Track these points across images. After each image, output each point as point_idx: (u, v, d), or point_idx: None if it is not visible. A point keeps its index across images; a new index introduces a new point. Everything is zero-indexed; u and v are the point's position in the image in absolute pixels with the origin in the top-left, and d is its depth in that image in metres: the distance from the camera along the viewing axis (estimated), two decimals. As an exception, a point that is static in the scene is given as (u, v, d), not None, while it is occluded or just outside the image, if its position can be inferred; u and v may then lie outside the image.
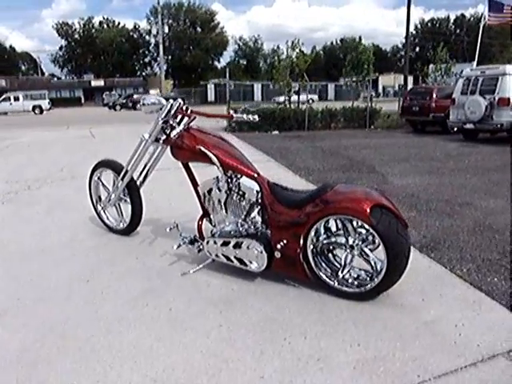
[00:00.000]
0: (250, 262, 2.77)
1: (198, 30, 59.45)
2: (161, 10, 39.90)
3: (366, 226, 2.40)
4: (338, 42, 61.23)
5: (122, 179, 3.56)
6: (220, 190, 2.93)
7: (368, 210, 2.34)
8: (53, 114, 30.93)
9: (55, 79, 55.48)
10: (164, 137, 3.14)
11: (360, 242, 2.54)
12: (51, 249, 3.58)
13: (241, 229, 2.92)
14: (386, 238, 2.35)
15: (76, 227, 4.12)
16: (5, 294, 2.79)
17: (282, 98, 16.05)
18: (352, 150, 9.22)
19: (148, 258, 3.33)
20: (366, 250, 2.56)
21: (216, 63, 63.29)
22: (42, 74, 60.66)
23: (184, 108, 3.11)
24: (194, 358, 2.09)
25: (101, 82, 49.44)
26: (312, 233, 2.56)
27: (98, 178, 3.92)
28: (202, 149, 2.84)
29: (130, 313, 2.53)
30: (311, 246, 2.60)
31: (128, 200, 3.68)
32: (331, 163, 7.58)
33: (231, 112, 3.21)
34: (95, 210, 4.00)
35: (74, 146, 10.88)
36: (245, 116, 3.23)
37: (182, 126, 2.92)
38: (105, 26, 60.54)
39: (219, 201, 2.97)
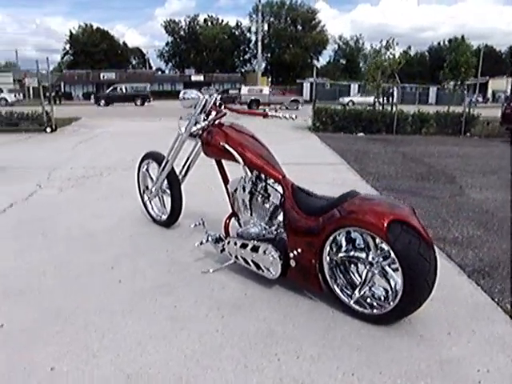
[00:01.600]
0: (265, 268, 2.65)
1: (299, 28, 59.47)
2: (262, 7, 40.57)
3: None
4: (446, 42, 57.31)
5: (163, 171, 3.63)
6: (244, 190, 2.85)
7: (385, 225, 2.09)
8: (152, 106, 33.01)
9: (159, 73, 59.27)
10: (199, 132, 3.13)
11: (381, 259, 2.29)
12: (94, 234, 3.77)
13: (263, 232, 2.82)
14: (404, 257, 2.08)
15: (125, 215, 4.30)
16: (33, 274, 2.98)
17: (346, 99, 15.36)
18: (436, 157, 8.54)
19: (178, 251, 3.35)
20: (388, 268, 2.30)
21: (315, 62, 62.82)
22: (150, 68, 65.15)
23: (217, 104, 3.07)
24: (175, 360, 2.04)
25: (200, 77, 51.69)
26: (328, 243, 2.37)
27: (146, 170, 4.04)
28: (226, 146, 2.78)
29: (136, 306, 2.55)
30: (327, 258, 2.41)
31: (168, 192, 3.74)
32: (407, 170, 7.07)
33: (266, 110, 3.06)
34: (142, 200, 4.14)
35: (158, 137, 11.45)
36: (280, 114, 3.09)
37: (205, 122, 2.87)
38: (209, 23, 63.16)
39: (243, 201, 2.89)
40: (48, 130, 12.19)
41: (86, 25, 60.64)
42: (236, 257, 2.85)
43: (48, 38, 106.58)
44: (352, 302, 2.36)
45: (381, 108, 13.65)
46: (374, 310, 2.30)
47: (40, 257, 3.27)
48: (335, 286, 2.44)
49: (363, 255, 2.36)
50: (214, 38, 60.00)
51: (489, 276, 2.99)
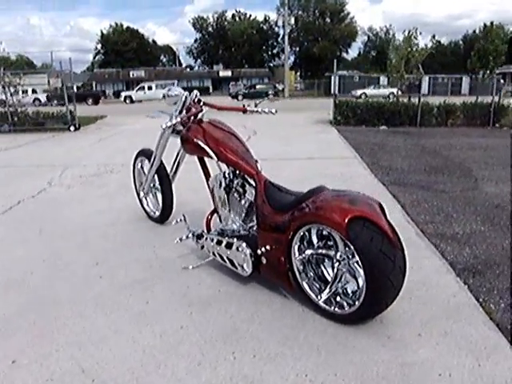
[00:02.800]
0: (239, 265, 2.63)
1: (327, 20, 58.59)
2: (289, 1, 40.19)
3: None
4: (482, 29, 55.13)
5: (151, 168, 3.65)
6: (220, 186, 2.83)
7: (345, 221, 2.02)
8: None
9: (188, 70, 59.85)
10: (181, 128, 3.13)
11: (349, 256, 2.22)
12: (90, 230, 3.84)
13: (240, 228, 2.79)
14: (365, 255, 2.01)
15: (124, 211, 4.36)
16: (19, 268, 3.07)
17: (359, 92, 14.96)
18: (457, 150, 8.24)
19: (164, 247, 3.36)
20: (356, 266, 2.22)
21: (344, 54, 61.82)
22: (180, 64, 65.85)
23: (196, 100, 3.06)
24: (133, 355, 2.05)
25: (228, 73, 51.89)
26: (296, 240, 2.32)
27: (141, 167, 4.08)
28: (199, 142, 2.76)
29: (109, 301, 2.58)
30: (296, 255, 2.36)
31: (159, 189, 3.77)
32: (422, 163, 6.86)
33: (245, 105, 3.02)
34: (138, 196, 4.18)
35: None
36: (259, 109, 3.05)
37: (177, 118, 2.85)
38: (237, 18, 63.21)
39: (220, 197, 2.87)
40: (71, 128, 12.53)
41: (117, 24, 61.92)
42: (213, 253, 2.84)
43: (82, 38, 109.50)
44: (321, 301, 2.31)
45: (396, 100, 13.28)
46: (342, 310, 2.23)
47: (31, 252, 3.36)
48: (305, 284, 2.38)
49: (332, 253, 2.29)
50: (242, 33, 60.01)
51: (480, 275, 2.86)
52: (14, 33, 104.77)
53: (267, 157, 7.26)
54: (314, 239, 2.35)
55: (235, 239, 2.64)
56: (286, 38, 38.77)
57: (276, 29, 62.78)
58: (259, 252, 2.48)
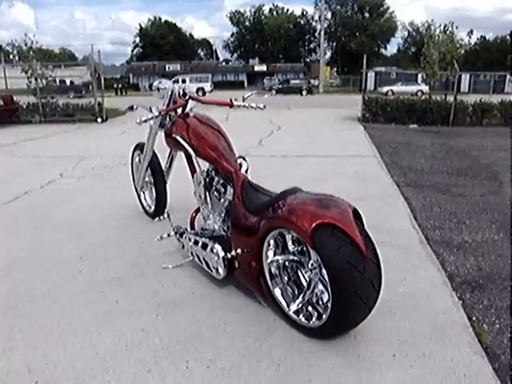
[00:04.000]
0: (213, 267, 2.50)
1: (366, 15, 57.18)
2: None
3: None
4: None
5: (144, 162, 3.58)
6: (199, 184, 2.71)
7: (311, 228, 1.85)
8: (213, 96, 33.53)
9: (223, 64, 59.95)
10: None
11: (321, 265, 2.04)
12: (85, 223, 3.82)
13: (220, 229, 2.67)
14: (330, 265, 1.84)
15: (124, 205, 4.31)
16: (7, 259, 3.06)
17: (385, 89, 14.36)
18: (487, 151, 7.79)
19: (151, 244, 3.27)
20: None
21: (382, 50, 60.29)
22: (217, 58, 66.15)
23: (182, 94, 2.95)
24: (84, 357, 1.97)
25: (263, 67, 51.64)
26: (266, 244, 2.17)
27: (138, 161, 4.01)
28: (177, 137, 2.65)
29: (81, 297, 2.52)
30: (268, 260, 2.21)
31: (152, 183, 3.69)
32: (446, 165, 6.51)
33: (232, 99, 2.89)
34: (136, 191, 4.12)
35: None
36: (246, 104, 2.91)
37: (156, 112, 2.73)
38: (274, 13, 62.76)
39: (200, 195, 2.75)
40: (99, 120, 12.73)
41: (155, 18, 62.81)
42: (191, 253, 2.73)
43: (122, 32, 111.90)
44: (291, 311, 2.15)
45: (428, 98, 12.74)
46: (310, 322, 2.07)
47: (21, 243, 3.35)
48: (276, 292, 2.23)
49: (305, 260, 2.13)
50: (279, 27, 59.55)
51: (480, 289, 2.62)
52: (59, 27, 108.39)
53: (285, 153, 7.11)
54: (289, 244, 2.19)
55: (210, 240, 2.51)
56: (322, 32, 38.16)
57: (313, 23, 61.95)
58: (234, 255, 2.35)
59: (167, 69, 51.57)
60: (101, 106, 13.00)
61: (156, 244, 3.24)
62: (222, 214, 2.66)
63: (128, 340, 2.10)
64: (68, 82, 28.82)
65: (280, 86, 36.60)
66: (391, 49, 68.25)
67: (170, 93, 2.99)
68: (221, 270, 2.43)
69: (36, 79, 12.74)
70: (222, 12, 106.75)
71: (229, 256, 2.37)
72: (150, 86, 44.77)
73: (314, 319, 2.05)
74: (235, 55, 66.76)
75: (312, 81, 40.53)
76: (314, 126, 11.59)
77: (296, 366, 1.90)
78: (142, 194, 4.04)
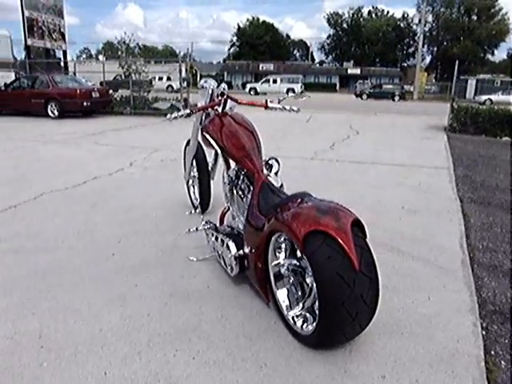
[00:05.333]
0: (228, 264, 2.55)
1: (473, 18, 53.30)
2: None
3: None
4: None
5: (189, 156, 3.73)
6: (225, 182, 2.78)
7: (303, 234, 1.83)
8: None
9: (317, 65, 59.68)
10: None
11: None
12: (135, 210, 4.09)
13: (241, 226, 2.72)
14: (318, 274, 1.80)
15: (178, 196, 4.51)
16: (56, 237, 3.39)
17: (483, 98, 13.07)
18: None
19: (187, 236, 3.39)
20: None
21: (489, 56, 55.82)
22: (313, 60, 66.05)
23: (220, 93, 3.03)
24: (87, 333, 2.13)
25: (357, 71, 50.55)
26: (271, 247, 2.17)
27: (188, 155, 4.18)
28: (206, 135, 2.74)
29: (105, 278, 2.72)
30: (273, 262, 2.21)
31: (197, 178, 3.83)
32: (528, 184, 5.92)
33: (268, 101, 2.92)
34: (187, 184, 4.30)
35: (276, 127, 11.69)
36: (280, 106, 2.91)
37: (186, 110, 2.82)
38: (373, 15, 61.09)
39: (226, 193, 2.82)
40: (182, 115, 13.36)
41: (253, 18, 64.26)
42: (213, 249, 2.80)
43: (222, 31, 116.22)
44: (290, 316, 2.13)
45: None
46: (303, 329, 2.04)
47: (74, 222, 3.69)
48: (278, 295, 2.23)
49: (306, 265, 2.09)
50: (377, 30, 57.86)
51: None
52: (165, 25, 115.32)
53: (353, 159, 6.95)
54: (296, 249, 2.17)
55: (227, 237, 2.57)
56: (421, 36, 36.33)
57: (414, 27, 59.27)
58: (243, 253, 2.39)
59: (260, 68, 52.60)
60: (186, 102, 13.64)
61: (191, 237, 3.37)
62: (245, 214, 2.69)
63: (131, 322, 2.23)
64: (165, 79, 30.61)
65: (371, 91, 35.57)
66: (500, 54, 62.82)
67: (210, 92, 3.09)
68: (234, 268, 2.47)
69: (129, 74, 13.72)
70: (322, 13, 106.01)
71: (240, 254, 2.41)
72: (243, 84, 46.25)
73: (305, 326, 2.01)
74: (330, 57, 66.12)
75: (407, 87, 38.85)
76: (394, 133, 11.14)
77: (278, 371, 1.88)
78: (191, 188, 4.20)
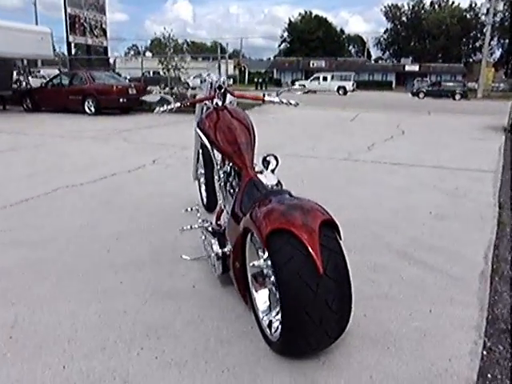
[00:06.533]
0: (212, 263, 2.56)
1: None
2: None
3: None
4: None
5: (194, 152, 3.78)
6: (217, 181, 2.80)
7: (267, 231, 1.80)
8: (354, 96, 33.07)
9: (372, 62, 58.61)
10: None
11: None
12: (143, 207, 4.21)
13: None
14: (279, 275, 1.77)
15: (191, 195, 4.58)
16: (60, 229, 3.54)
17: None
18: None
19: (188, 235, 3.40)
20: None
21: None
22: (369, 56, 64.97)
23: (217, 86, 3.04)
24: (61, 324, 2.20)
25: (415, 67, 49.12)
26: (247, 246, 2.16)
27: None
28: (197, 130, 2.76)
29: (96, 271, 2.82)
30: (250, 263, 2.19)
31: (203, 174, 3.88)
32: None
33: (265, 94, 2.90)
34: (198, 181, 4.36)
35: (319, 126, 11.60)
36: (277, 99, 2.88)
37: (177, 104, 2.85)
38: (436, 6, 59.15)
39: (218, 192, 2.84)
40: (221, 113, 13.54)
41: (306, 12, 64.10)
42: (204, 247, 2.82)
43: (273, 26, 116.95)
44: (264, 320, 2.10)
45: None
46: (273, 334, 2.00)
47: (81, 217, 3.85)
48: (255, 297, 2.20)
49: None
50: (440, 22, 55.96)
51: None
52: (214, 21, 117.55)
53: (390, 160, 6.77)
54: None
55: (213, 235, 2.58)
56: (489, 27, 34.68)
57: (482, 17, 56.73)
58: (224, 252, 2.39)
59: (311, 65, 52.38)
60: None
61: (191, 235, 3.41)
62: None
63: (105, 318, 2.28)
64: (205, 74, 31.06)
65: (429, 89, 34.46)
66: None
67: (208, 85, 3.12)
68: (218, 267, 2.48)
69: (168, 70, 14.09)
70: (380, 6, 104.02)
71: (223, 253, 2.41)
72: (293, 82, 46.14)
73: (274, 332, 1.98)
74: (387, 53, 64.71)
75: (471, 84, 37.31)
76: (445, 133, 10.74)
77: (239, 377, 1.86)
78: (202, 185, 4.25)
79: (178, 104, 2.84)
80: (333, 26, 65.95)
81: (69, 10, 15.93)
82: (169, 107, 2.80)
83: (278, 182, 2.79)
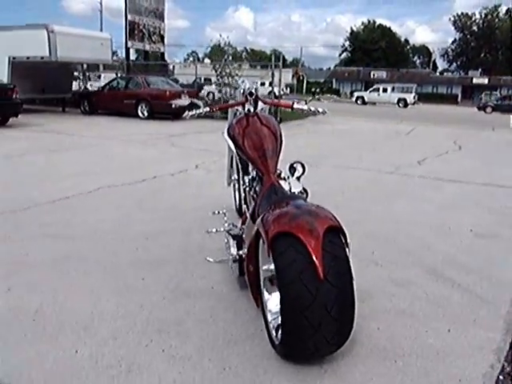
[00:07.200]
0: (230, 265, 2.67)
1: None
2: None
3: None
4: None
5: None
6: (243, 186, 2.91)
7: (271, 235, 1.89)
8: (414, 109, 32.36)
9: (437, 74, 57.02)
10: None
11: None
12: (175, 209, 4.40)
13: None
14: (281, 277, 1.85)
15: (225, 200, 4.72)
16: (90, 227, 3.79)
17: None
18: None
19: (216, 237, 3.52)
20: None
21: None
22: (434, 68, 63.34)
23: (248, 93, 3.16)
24: (78, 313, 2.39)
25: (484, 80, 47.30)
26: (260, 249, 2.25)
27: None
28: (224, 135, 2.89)
29: (122, 268, 3.01)
30: (263, 267, 2.28)
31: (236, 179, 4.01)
32: None
33: (294, 102, 3.00)
34: (233, 187, 4.49)
35: (372, 138, 11.51)
36: (305, 107, 2.96)
37: (206, 108, 2.99)
38: None
39: (244, 198, 2.95)
40: (272, 121, 13.73)
41: (369, 21, 63.48)
42: (226, 250, 2.93)
43: (335, 35, 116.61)
44: (272, 324, 2.18)
45: None
46: (277, 337, 2.07)
47: (116, 216, 4.09)
48: (266, 301, 2.28)
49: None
50: (515, 32, 53.57)
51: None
52: (275, 29, 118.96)
53: (438, 175, 6.61)
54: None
55: (233, 238, 2.68)
56: None
57: None
58: (241, 255, 2.49)
59: (371, 76, 51.77)
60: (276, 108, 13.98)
61: (218, 238, 3.53)
62: (251, 216, 2.79)
63: (123, 311, 2.44)
64: (267, 84, 31.49)
65: (497, 103, 33.08)
66: None
67: (242, 92, 3.25)
68: (233, 269, 2.59)
69: (222, 77, 14.47)
70: (449, 15, 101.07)
71: (239, 256, 2.51)
72: (351, 92, 45.78)
73: (278, 334, 2.05)
74: (454, 65, 62.78)
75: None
76: (506, 151, 10.34)
77: (239, 376, 1.95)
78: (235, 190, 4.39)
79: (207, 109, 2.99)
80: (397, 35, 64.90)
81: (129, 17, 16.81)
82: (198, 111, 2.95)
83: (304, 189, 2.86)
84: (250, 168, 2.89)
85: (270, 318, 2.22)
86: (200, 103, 3.42)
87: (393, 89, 35.59)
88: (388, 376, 2.01)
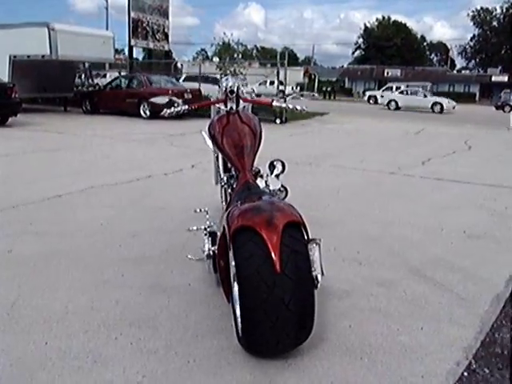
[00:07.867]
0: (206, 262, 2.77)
1: None
2: None
3: None
4: None
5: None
6: (221, 184, 3.01)
7: (233, 229, 1.99)
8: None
9: (455, 72, 56.67)
10: None
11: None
12: (167, 209, 4.53)
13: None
14: (239, 270, 1.95)
15: (209, 199, 4.81)
16: (83, 223, 3.92)
17: None
18: None
19: (195, 236, 3.64)
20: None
21: None
22: (452, 66, 62.93)
23: (229, 91, 3.25)
24: (51, 308, 2.50)
25: (504, 78, 46.86)
26: (229, 245, 2.34)
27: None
28: (203, 133, 2.98)
29: (103, 264, 3.12)
30: (233, 262, 2.38)
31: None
32: None
33: (274, 100, 3.09)
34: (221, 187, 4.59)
35: (378, 138, 11.56)
36: (284, 105, 3.05)
37: (185, 106, 3.08)
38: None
39: (222, 196, 3.05)
40: (277, 121, 13.87)
41: (384, 17, 63.30)
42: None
43: (349, 32, 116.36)
44: (239, 318, 2.27)
45: None
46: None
47: (106, 215, 4.22)
48: (235, 295, 2.37)
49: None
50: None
51: (513, 367, 2.23)
52: (287, 26, 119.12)
53: (444, 176, 6.65)
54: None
55: (208, 236, 2.78)
56: None
57: None
58: (213, 251, 2.58)
59: (385, 74, 51.61)
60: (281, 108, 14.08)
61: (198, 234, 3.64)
62: (226, 213, 2.89)
63: (98, 305, 2.56)
64: (276, 83, 31.62)
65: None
66: None
67: (223, 89, 3.34)
68: (207, 265, 2.69)
69: (226, 75, 14.58)
70: (468, 11, 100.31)
71: (212, 251, 2.61)
72: (364, 91, 45.62)
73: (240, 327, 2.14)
74: (472, 62, 62.31)
75: None
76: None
77: (202, 368, 2.04)
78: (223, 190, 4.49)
79: (186, 106, 3.09)
80: (413, 32, 64.55)
81: (132, 14, 17.04)
82: (176, 109, 3.05)
83: (284, 187, 2.96)
84: (229, 165, 2.99)
85: (238, 312, 2.31)
86: (179, 101, 3.47)
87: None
88: (351, 372, 2.08)
